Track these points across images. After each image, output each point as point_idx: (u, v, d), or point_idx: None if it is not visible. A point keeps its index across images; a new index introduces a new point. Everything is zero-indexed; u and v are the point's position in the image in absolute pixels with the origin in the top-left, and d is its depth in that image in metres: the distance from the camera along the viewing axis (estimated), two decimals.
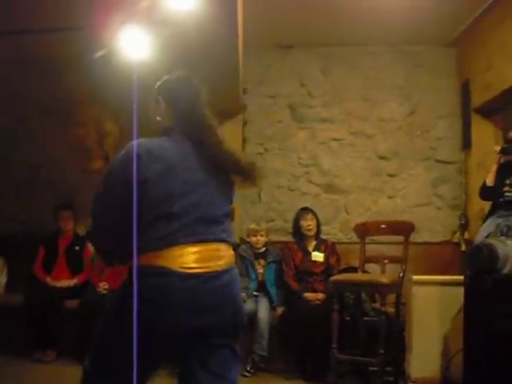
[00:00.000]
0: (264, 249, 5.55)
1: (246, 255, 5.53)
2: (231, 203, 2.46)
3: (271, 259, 5.48)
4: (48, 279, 5.71)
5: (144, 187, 2.15)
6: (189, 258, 2.17)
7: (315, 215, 5.48)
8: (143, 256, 2.15)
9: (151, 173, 2.17)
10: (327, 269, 5.25)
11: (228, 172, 2.40)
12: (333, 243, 5.51)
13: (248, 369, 4.97)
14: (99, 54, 5.10)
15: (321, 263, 5.30)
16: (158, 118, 2.44)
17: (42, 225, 6.27)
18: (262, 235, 5.55)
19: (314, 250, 5.36)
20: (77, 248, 5.90)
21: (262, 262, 5.49)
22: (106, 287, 5.43)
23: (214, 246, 2.25)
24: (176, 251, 2.16)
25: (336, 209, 6.11)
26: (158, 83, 2.51)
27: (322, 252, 5.34)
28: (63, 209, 6.00)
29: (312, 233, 5.41)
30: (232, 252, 2.37)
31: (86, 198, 6.41)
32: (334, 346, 4.48)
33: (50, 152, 6.58)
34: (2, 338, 5.39)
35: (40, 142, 6.61)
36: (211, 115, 2.43)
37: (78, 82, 6.22)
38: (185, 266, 2.16)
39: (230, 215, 2.41)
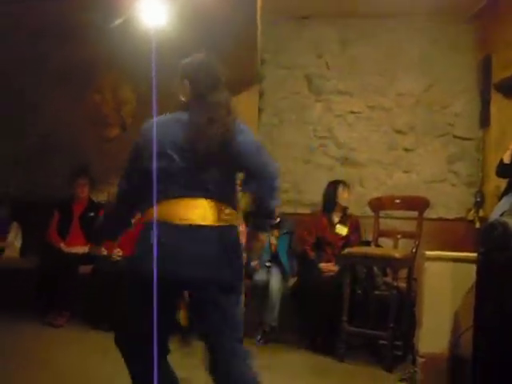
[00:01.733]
0: (278, 220, 5.56)
1: None
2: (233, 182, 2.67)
3: (284, 230, 5.50)
4: (62, 245, 5.76)
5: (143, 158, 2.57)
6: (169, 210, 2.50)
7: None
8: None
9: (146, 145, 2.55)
10: (347, 244, 5.23)
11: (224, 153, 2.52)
12: (358, 221, 5.48)
13: (258, 339, 5.02)
14: (118, 21, 5.08)
15: (343, 237, 5.30)
16: (182, 98, 2.68)
17: (56, 191, 6.31)
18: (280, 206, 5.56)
19: (339, 223, 5.35)
20: (91, 214, 5.94)
21: (276, 233, 5.51)
22: (120, 254, 5.47)
23: (192, 201, 2.51)
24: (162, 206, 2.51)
25: (350, 182, 6.07)
26: (183, 63, 2.75)
27: (346, 226, 5.33)
28: (80, 176, 6.04)
29: (347, 205, 5.40)
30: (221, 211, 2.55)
31: (102, 165, 6.50)
32: (345, 318, 4.51)
33: (67, 118, 6.60)
34: (15, 300, 5.48)
35: (57, 108, 6.62)
36: (230, 98, 2.67)
37: (95, 48, 6.21)
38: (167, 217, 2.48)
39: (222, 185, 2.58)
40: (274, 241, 5.49)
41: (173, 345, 4.75)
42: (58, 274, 5.43)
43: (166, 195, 2.52)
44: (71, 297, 5.44)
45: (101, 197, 6.36)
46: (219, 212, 2.53)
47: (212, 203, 2.52)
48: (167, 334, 2.71)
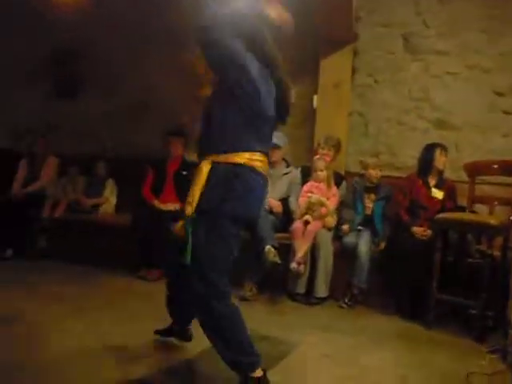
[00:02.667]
0: (377, 183, 5.49)
1: (357, 187, 5.51)
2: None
3: (382, 194, 5.42)
4: (155, 202, 5.90)
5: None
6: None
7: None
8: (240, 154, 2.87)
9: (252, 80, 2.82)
10: (442, 208, 5.07)
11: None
12: (454, 186, 5.27)
13: (346, 301, 5.02)
14: None
15: (438, 201, 5.13)
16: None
17: (150, 149, 6.45)
18: (380, 169, 5.50)
19: (434, 187, 5.21)
20: (184, 173, 6.03)
21: (373, 196, 5.46)
22: None
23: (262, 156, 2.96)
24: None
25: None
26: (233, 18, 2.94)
27: (442, 190, 5.19)
28: (175, 134, 6.14)
29: (443, 169, 5.26)
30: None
31: (195, 124, 6.61)
32: (435, 284, 4.43)
33: (163, 78, 6.72)
34: (111, 254, 5.70)
35: (153, 68, 6.76)
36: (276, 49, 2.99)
37: (191, 12, 6.24)
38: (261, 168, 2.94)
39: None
40: (369, 204, 5.46)
41: (261, 303, 4.86)
42: (151, 229, 5.58)
43: (261, 147, 2.93)
44: (164, 252, 5.58)
45: (193, 156, 6.47)
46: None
47: (266, 157, 3.00)
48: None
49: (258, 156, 2.90)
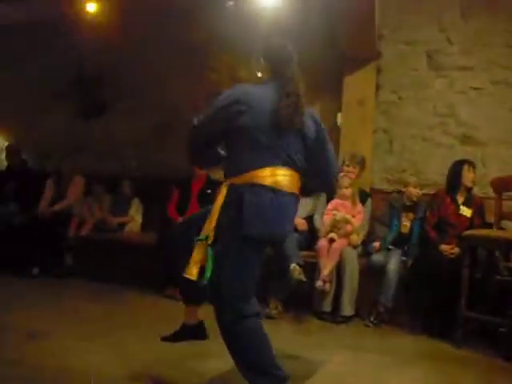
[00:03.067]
0: (417, 202, 5.45)
1: (395, 204, 5.48)
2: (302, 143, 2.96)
3: (420, 215, 5.36)
4: (180, 220, 5.91)
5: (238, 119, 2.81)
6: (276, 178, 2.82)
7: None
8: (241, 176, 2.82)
9: (245, 110, 2.80)
10: (470, 226, 5.01)
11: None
12: (482, 202, 5.21)
13: (372, 319, 4.97)
14: (230, 3, 5.12)
15: (466, 218, 5.09)
16: (259, 74, 3.11)
17: (175, 167, 6.49)
18: (420, 188, 5.48)
19: (463, 204, 5.17)
20: (209, 191, 6.04)
21: (411, 215, 5.41)
22: None
23: (284, 170, 2.85)
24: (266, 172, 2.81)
25: None
26: (260, 46, 3.12)
27: (470, 208, 5.14)
28: None
29: (472, 186, 5.22)
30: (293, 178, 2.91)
31: None
32: (463, 302, 4.37)
33: (187, 96, 6.76)
34: (137, 273, 5.71)
35: (176, 86, 6.81)
36: (299, 73, 2.99)
37: (211, 27, 6.30)
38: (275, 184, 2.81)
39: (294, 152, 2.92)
40: (406, 222, 5.42)
41: (286, 322, 4.83)
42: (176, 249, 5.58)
43: (263, 163, 2.81)
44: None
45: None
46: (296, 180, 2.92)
47: (292, 172, 2.89)
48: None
49: (282, 170, 2.83)
